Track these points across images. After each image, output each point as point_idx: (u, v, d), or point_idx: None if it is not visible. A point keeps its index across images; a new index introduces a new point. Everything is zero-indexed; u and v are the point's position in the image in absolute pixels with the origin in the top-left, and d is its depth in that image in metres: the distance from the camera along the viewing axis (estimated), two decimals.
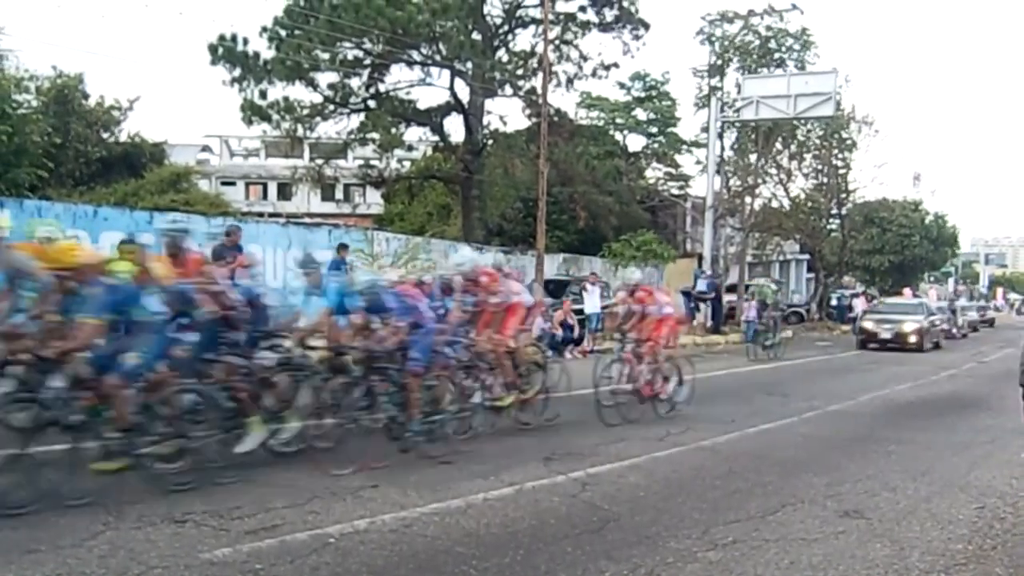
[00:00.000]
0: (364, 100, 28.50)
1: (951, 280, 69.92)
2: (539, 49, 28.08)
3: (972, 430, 10.79)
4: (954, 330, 34.32)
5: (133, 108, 34.66)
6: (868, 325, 26.78)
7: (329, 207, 47.42)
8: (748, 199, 35.13)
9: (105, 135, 33.75)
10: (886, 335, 25.63)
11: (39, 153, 23.25)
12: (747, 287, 31.91)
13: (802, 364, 20.82)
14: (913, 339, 25.30)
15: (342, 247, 16.99)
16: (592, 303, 22.20)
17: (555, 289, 24.59)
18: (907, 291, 36.48)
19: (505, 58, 30.10)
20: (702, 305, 28.98)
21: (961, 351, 26.88)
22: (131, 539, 5.21)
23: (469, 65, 27.91)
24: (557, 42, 30.26)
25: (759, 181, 35.83)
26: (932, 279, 65.18)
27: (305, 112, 27.45)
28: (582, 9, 30.75)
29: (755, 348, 21.75)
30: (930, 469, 8.14)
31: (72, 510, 5.70)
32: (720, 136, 32.83)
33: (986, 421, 11.64)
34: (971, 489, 7.33)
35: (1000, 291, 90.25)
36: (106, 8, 69.02)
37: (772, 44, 34.93)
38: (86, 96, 32.81)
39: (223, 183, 52.53)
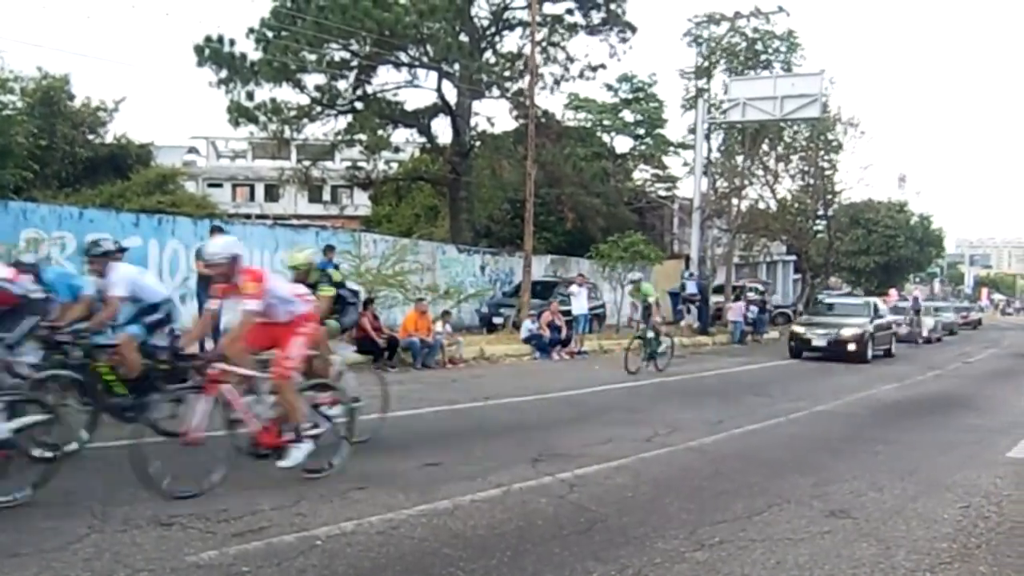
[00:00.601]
0: (351, 101, 28.47)
1: (936, 280, 70.32)
2: (526, 51, 28.14)
3: (958, 430, 10.86)
4: (925, 332, 31.74)
5: (119, 109, 34.63)
6: (800, 330, 23.02)
7: (316, 209, 47.42)
8: (735, 200, 35.26)
9: (91, 136, 33.65)
10: (820, 342, 21.74)
11: (24, 155, 23.19)
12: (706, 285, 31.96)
13: (787, 365, 20.89)
14: (852, 347, 21.30)
15: (329, 249, 16.97)
16: (579, 304, 22.25)
17: (542, 290, 24.65)
18: (892, 292, 36.65)
19: (492, 60, 30.15)
20: (691, 307, 29.08)
21: (944, 352, 26.95)
22: (116, 542, 5.18)
23: (456, 67, 27.92)
24: (544, 44, 30.32)
25: (746, 183, 35.99)
26: (917, 279, 65.60)
27: (292, 113, 27.41)
28: (569, 11, 30.87)
29: (632, 358, 16.92)
30: (916, 469, 8.18)
31: (57, 513, 5.67)
32: (707, 138, 32.96)
33: (972, 421, 11.72)
34: (957, 488, 7.37)
35: (985, 291, 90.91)
36: (92, 9, 68.74)
37: (759, 46, 35.10)
38: (72, 97, 32.70)
39: (210, 185, 52.50)
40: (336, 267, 16.43)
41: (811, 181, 41.68)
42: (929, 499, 6.96)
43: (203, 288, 14.30)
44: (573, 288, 22.81)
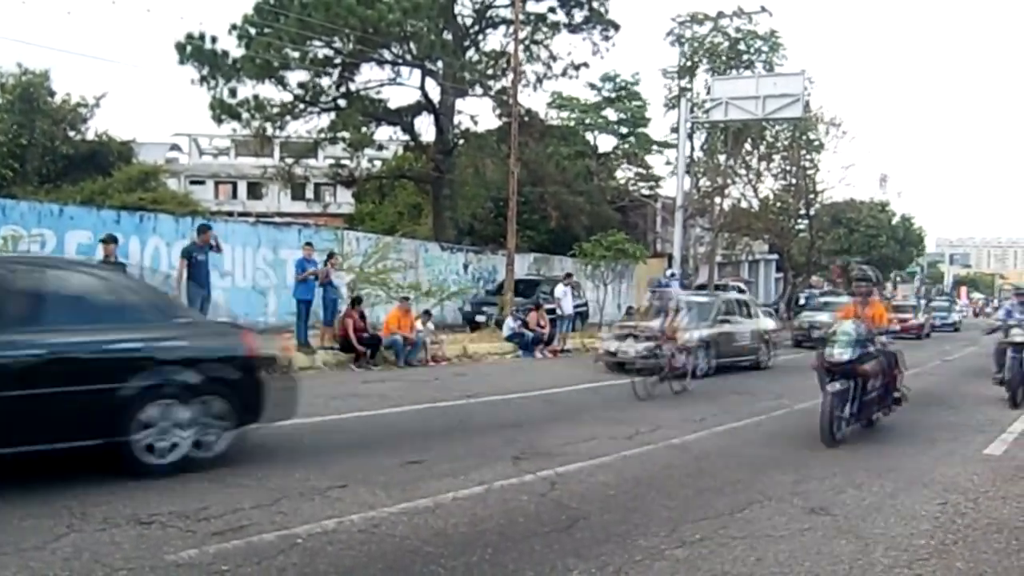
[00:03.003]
0: (334, 99, 28.41)
1: (917, 279, 70.75)
2: (509, 49, 28.17)
3: (936, 427, 10.94)
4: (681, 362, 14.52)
5: (100, 105, 34.48)
6: None
7: (299, 206, 47.21)
8: (717, 199, 35.42)
9: (72, 133, 33.47)
10: None
11: (4, 151, 23.02)
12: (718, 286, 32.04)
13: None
14: None
15: (307, 245, 16.93)
16: (566, 304, 22.27)
17: (525, 289, 24.66)
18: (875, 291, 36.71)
19: (476, 58, 30.16)
20: None
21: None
22: (95, 541, 5.15)
23: (440, 65, 27.90)
24: (527, 42, 30.36)
25: (728, 182, 36.15)
26: (898, 279, 65.99)
27: (275, 111, 27.31)
28: (552, 10, 30.93)
29: None
30: (895, 466, 8.23)
31: (36, 512, 5.64)
32: (690, 137, 33.04)
33: (949, 418, 11.81)
34: (934, 485, 7.43)
35: (964, 290, 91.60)
36: (72, 4, 68.21)
37: (741, 46, 35.27)
38: (52, 93, 32.52)
39: (192, 182, 52.19)
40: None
41: (793, 180, 41.88)
42: (907, 496, 7.01)
43: (194, 284, 14.14)
44: (559, 288, 22.76)
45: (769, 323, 20.68)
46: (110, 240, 12.52)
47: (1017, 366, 12.83)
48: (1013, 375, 12.92)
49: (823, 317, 25.05)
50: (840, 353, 9.42)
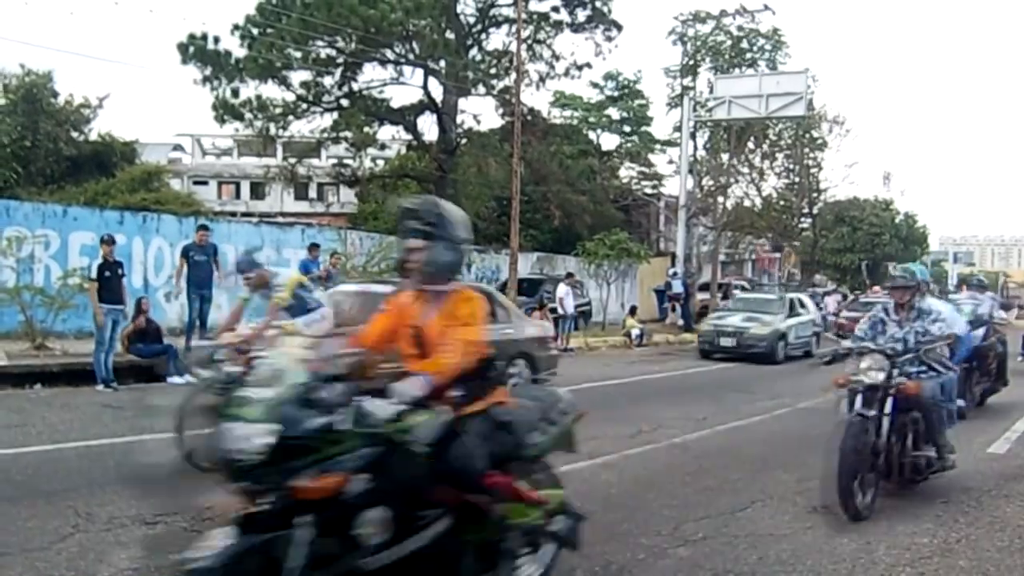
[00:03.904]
0: (337, 99, 28.39)
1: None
2: (512, 48, 28.12)
3: None
4: None
5: (103, 106, 34.48)
6: None
7: (302, 206, 47.24)
8: (720, 198, 35.40)
9: (75, 134, 33.49)
10: None
11: (8, 153, 23.05)
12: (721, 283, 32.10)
13: None
14: None
15: (313, 247, 16.93)
16: (568, 304, 22.28)
17: (529, 288, 24.68)
18: (876, 288, 36.75)
19: (478, 57, 30.13)
20: (677, 305, 29.15)
21: None
22: (101, 541, 5.17)
23: (442, 64, 27.88)
24: (530, 41, 30.32)
25: (731, 180, 36.13)
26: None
27: (278, 111, 27.30)
28: (555, 9, 30.85)
29: None
30: None
31: (41, 512, 5.66)
32: (693, 136, 33.03)
33: None
34: (937, 484, 7.42)
35: (965, 288, 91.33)
36: (75, 5, 68.29)
37: (744, 44, 35.29)
38: (55, 94, 32.54)
39: (195, 182, 52.19)
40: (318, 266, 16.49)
41: (796, 179, 41.89)
42: (909, 494, 7.01)
43: (192, 285, 14.30)
44: (561, 287, 22.77)
45: (530, 331, 12.70)
46: (109, 240, 12.56)
47: (858, 432, 6.43)
48: (849, 445, 6.32)
49: (735, 320, 21.27)
50: (248, 437, 3.30)
